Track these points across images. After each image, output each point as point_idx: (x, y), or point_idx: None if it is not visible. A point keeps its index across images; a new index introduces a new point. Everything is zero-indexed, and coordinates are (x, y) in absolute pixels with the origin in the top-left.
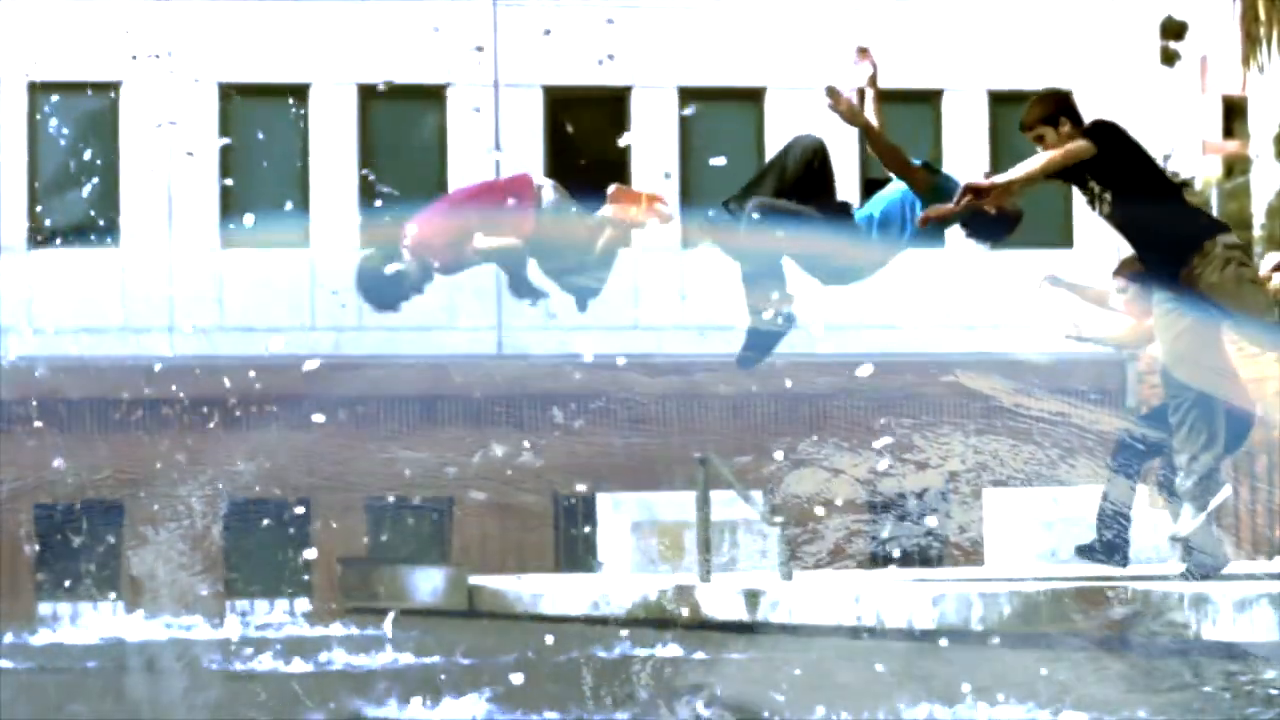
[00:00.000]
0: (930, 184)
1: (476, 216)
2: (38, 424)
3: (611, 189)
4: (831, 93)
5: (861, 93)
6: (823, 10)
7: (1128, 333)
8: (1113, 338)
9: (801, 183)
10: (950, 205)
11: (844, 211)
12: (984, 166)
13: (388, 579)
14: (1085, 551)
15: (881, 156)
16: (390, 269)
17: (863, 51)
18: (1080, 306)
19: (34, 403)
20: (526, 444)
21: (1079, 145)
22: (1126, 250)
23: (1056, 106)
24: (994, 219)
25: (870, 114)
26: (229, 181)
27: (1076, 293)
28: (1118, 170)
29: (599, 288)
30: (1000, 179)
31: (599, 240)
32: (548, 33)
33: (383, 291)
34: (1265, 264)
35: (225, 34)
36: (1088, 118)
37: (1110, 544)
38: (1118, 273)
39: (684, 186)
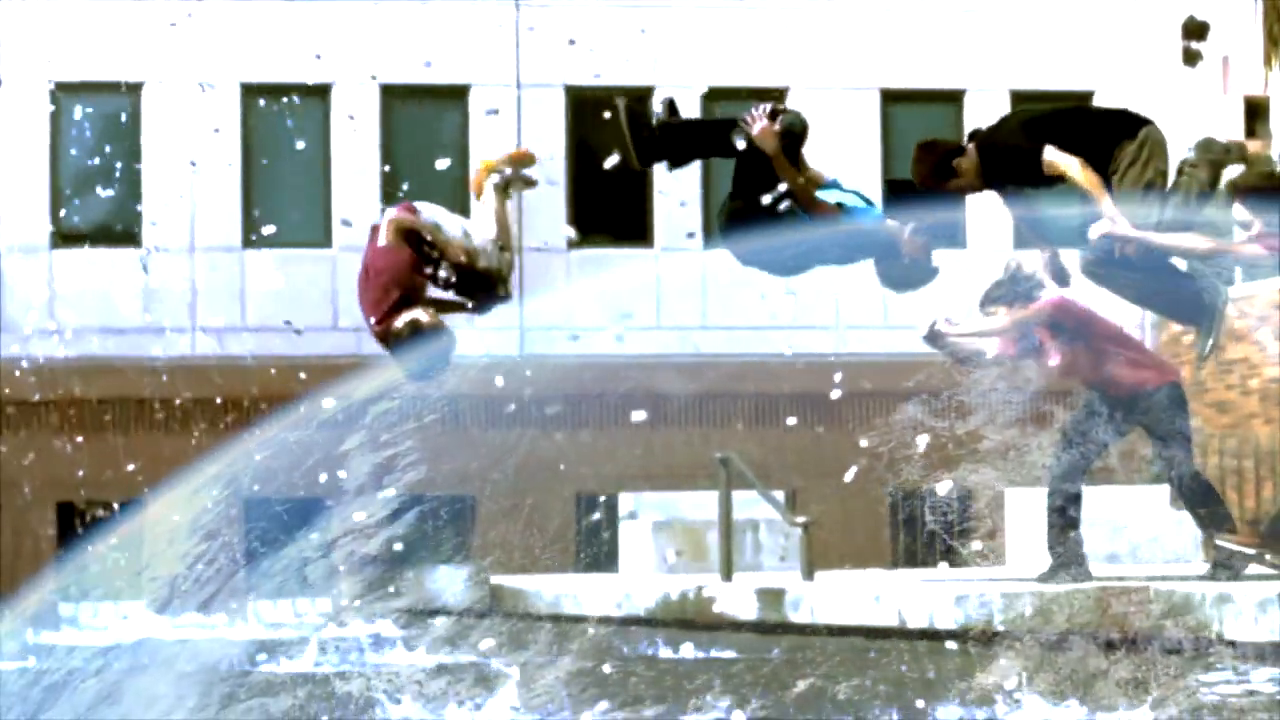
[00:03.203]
0: (834, 219)
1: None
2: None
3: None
4: (745, 120)
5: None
6: (846, 11)
7: (1003, 326)
8: (986, 330)
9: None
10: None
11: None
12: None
13: (409, 578)
14: (1048, 577)
15: (794, 189)
16: (414, 336)
17: (769, 113)
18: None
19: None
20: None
21: (1054, 152)
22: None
23: (940, 151)
24: (910, 269)
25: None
26: (250, 182)
27: (959, 339)
28: (1071, 143)
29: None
30: (1124, 224)
31: (489, 233)
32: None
33: (429, 365)
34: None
35: (247, 34)
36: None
37: (1069, 560)
38: (984, 301)
39: (705, 187)
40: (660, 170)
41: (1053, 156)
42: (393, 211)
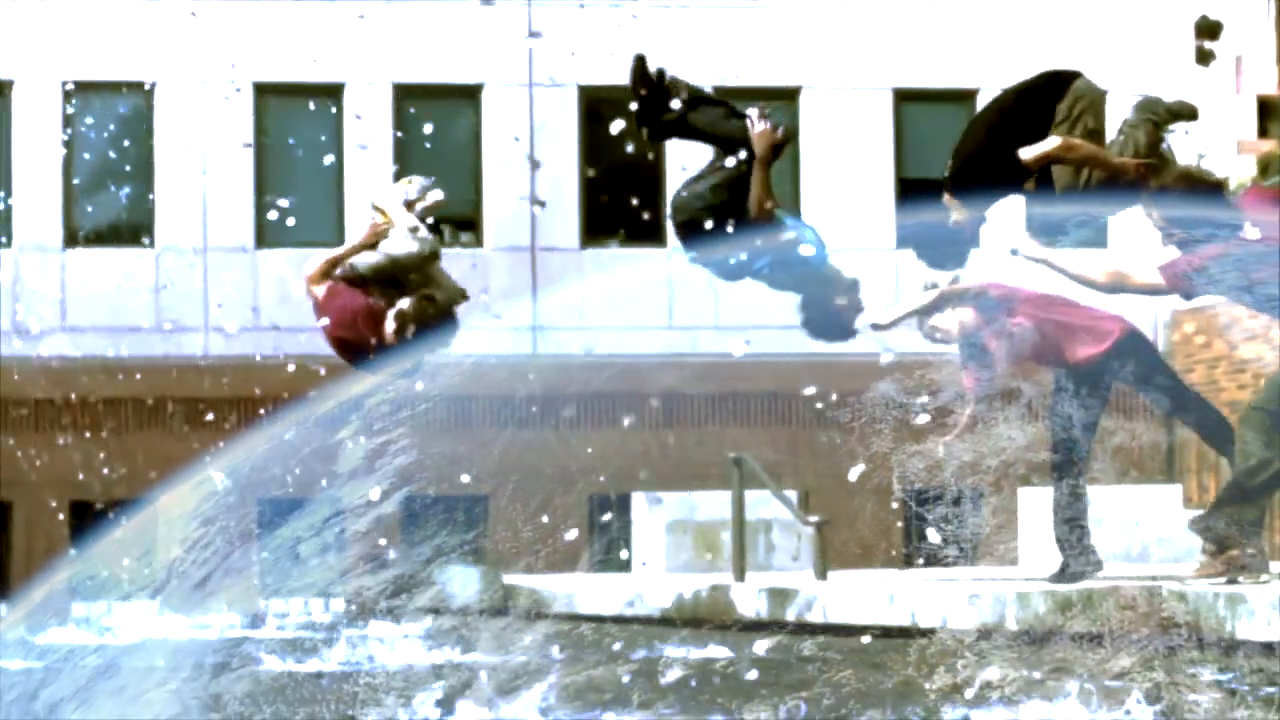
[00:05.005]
0: (783, 242)
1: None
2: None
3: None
4: (751, 118)
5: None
6: (858, 10)
7: (933, 300)
8: (919, 307)
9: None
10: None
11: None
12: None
13: (422, 577)
14: (1060, 577)
15: (757, 196)
16: (409, 326)
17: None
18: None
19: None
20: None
21: (1029, 150)
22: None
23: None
24: (832, 321)
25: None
26: (263, 182)
27: (897, 323)
28: (1039, 122)
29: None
30: (1033, 246)
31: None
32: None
33: (438, 345)
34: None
35: (259, 34)
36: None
37: (1081, 559)
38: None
39: None
40: (675, 171)
41: (1030, 154)
42: (305, 271)
